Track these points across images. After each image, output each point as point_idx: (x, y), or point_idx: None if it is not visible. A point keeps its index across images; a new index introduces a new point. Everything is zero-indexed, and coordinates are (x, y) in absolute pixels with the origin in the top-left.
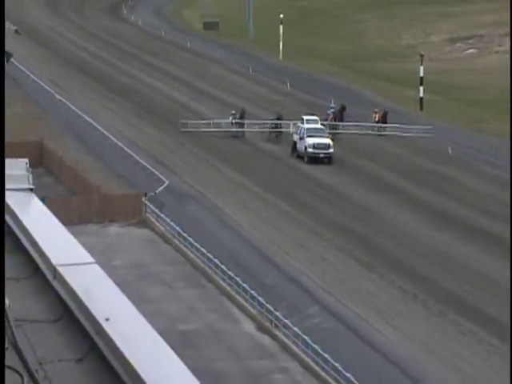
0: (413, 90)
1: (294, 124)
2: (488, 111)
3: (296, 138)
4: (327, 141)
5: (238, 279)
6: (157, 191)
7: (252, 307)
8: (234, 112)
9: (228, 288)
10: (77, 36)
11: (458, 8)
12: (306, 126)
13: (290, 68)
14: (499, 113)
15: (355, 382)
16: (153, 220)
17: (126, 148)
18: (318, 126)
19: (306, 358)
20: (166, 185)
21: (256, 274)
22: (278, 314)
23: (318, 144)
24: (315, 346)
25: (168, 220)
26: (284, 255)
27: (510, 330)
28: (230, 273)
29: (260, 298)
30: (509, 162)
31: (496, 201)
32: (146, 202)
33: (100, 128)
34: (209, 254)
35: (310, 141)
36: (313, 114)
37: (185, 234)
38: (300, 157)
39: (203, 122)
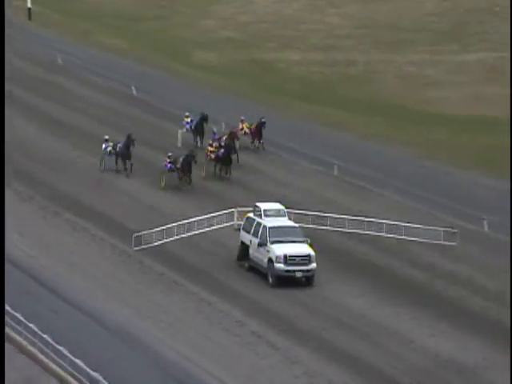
0: (20, 0)
1: (241, 213)
2: (92, 24)
3: (247, 238)
4: (306, 249)
5: None
6: None
7: None
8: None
9: None
10: None
11: None
12: (268, 222)
13: None
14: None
15: None
16: None
17: None
18: (286, 220)
19: None
20: None
21: None
22: None
23: (293, 257)
24: None
25: None
26: None
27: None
28: None
29: None
30: None
31: (102, 107)
32: None
33: None
34: None
35: (278, 250)
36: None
37: None
38: (254, 268)
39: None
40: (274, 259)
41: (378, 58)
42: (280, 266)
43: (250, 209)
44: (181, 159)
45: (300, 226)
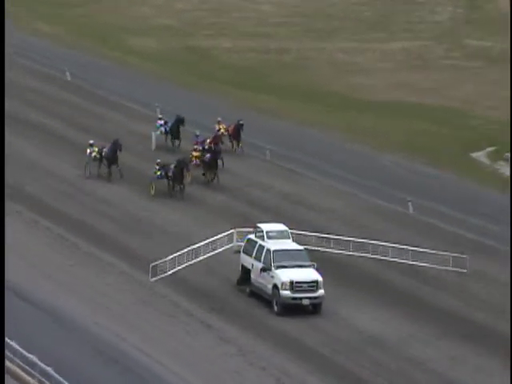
0: None
1: (241, 234)
2: (20, 9)
3: (249, 262)
4: (313, 274)
5: None
6: None
7: None
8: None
9: None
10: None
11: None
12: (271, 245)
13: None
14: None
15: None
16: None
17: None
18: (291, 243)
19: None
20: None
21: None
22: None
23: (300, 283)
24: None
25: None
26: None
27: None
28: None
29: None
30: None
31: (40, 94)
32: None
33: None
34: None
35: (284, 276)
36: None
37: None
38: (255, 294)
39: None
40: (279, 286)
41: (309, 45)
42: (286, 293)
43: (250, 230)
44: (172, 166)
45: (305, 249)
